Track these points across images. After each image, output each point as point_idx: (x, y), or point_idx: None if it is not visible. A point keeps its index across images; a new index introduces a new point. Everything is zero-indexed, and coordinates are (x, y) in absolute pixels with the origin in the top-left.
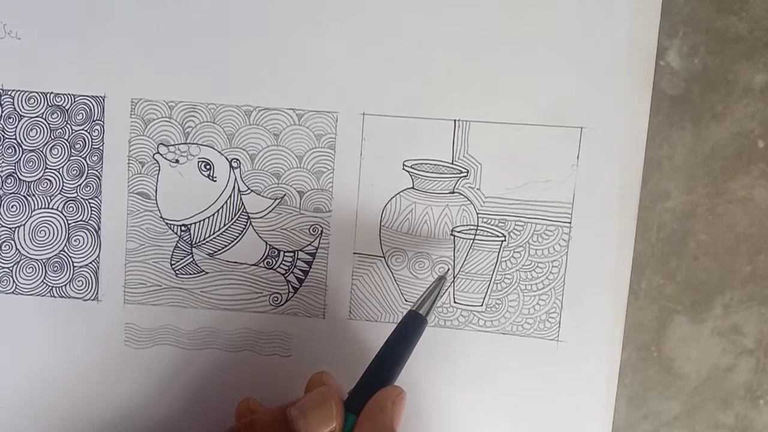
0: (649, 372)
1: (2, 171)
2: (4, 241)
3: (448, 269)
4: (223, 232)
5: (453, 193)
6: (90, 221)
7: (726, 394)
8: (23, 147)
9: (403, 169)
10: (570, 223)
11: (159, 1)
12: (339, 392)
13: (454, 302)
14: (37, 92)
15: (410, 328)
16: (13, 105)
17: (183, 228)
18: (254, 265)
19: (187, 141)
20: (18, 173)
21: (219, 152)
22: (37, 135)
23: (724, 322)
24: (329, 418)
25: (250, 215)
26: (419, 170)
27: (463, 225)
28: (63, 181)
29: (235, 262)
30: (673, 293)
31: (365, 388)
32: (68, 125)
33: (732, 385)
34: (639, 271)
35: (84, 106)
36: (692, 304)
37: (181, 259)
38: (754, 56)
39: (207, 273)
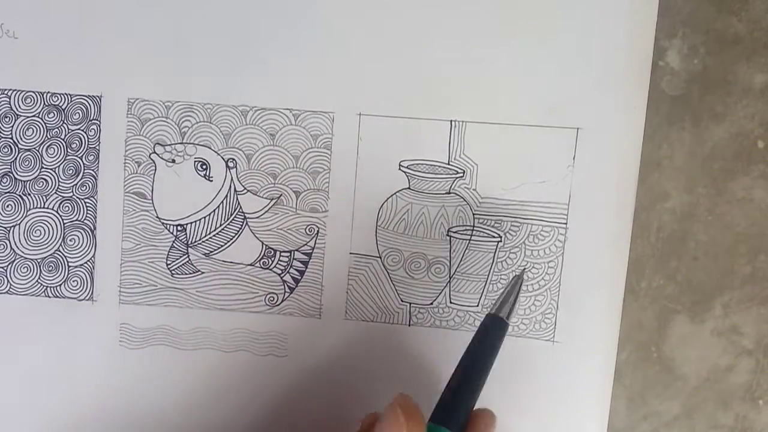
0: (649, 372)
1: None
2: None
3: (524, 268)
4: (219, 232)
5: (449, 193)
6: (85, 221)
7: (725, 394)
8: (19, 146)
9: (400, 169)
10: (566, 224)
11: (156, 1)
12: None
13: (450, 302)
14: (33, 92)
15: (492, 334)
16: (10, 104)
17: (179, 228)
18: (250, 265)
19: (184, 141)
20: (13, 173)
21: (215, 152)
22: (33, 134)
23: (724, 323)
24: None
25: (247, 215)
26: (415, 171)
27: (459, 225)
28: (59, 181)
29: (231, 262)
30: (672, 293)
31: (454, 402)
32: (64, 125)
33: (731, 385)
34: (639, 271)
35: (80, 106)
36: (692, 304)
37: (177, 259)
38: (754, 57)
39: (203, 273)
